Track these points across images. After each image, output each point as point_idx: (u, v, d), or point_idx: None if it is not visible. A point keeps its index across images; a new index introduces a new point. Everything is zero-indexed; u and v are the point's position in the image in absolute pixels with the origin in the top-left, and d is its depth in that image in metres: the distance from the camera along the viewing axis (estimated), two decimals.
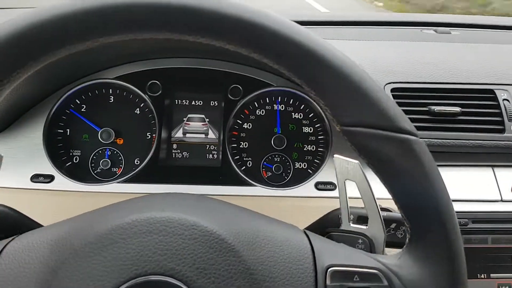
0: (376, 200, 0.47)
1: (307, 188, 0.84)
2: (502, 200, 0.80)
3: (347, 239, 0.48)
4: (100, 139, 0.88)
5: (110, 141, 0.88)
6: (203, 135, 0.91)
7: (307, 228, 0.60)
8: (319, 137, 0.91)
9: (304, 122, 0.92)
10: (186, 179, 0.86)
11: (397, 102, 0.41)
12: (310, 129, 0.91)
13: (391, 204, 0.45)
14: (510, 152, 0.83)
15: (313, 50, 0.38)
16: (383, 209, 0.55)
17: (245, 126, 0.92)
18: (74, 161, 0.88)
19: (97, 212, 0.42)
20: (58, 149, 0.87)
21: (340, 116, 0.40)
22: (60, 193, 0.81)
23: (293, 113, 0.92)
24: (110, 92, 0.90)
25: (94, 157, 0.88)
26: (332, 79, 0.39)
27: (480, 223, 0.78)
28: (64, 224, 0.42)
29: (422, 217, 0.39)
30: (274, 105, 0.92)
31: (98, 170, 0.88)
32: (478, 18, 1.36)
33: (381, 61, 0.90)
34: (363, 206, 0.48)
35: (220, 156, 0.89)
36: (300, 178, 0.87)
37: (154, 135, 0.89)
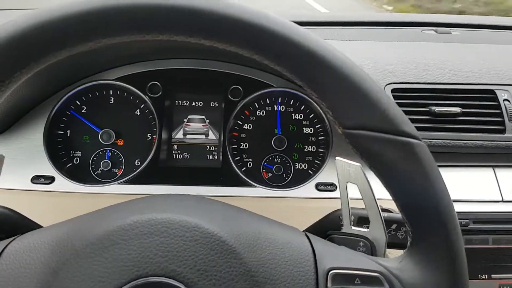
0: (378, 203, 0.47)
1: (307, 189, 0.84)
2: (503, 201, 0.80)
3: (349, 242, 0.48)
4: (100, 140, 0.88)
5: (110, 142, 0.88)
6: (203, 136, 0.91)
7: (308, 229, 0.60)
8: (319, 138, 0.91)
9: (304, 123, 0.92)
10: (186, 180, 0.86)
11: (397, 103, 0.41)
12: (311, 130, 0.91)
13: (392, 205, 0.45)
14: (511, 153, 0.83)
15: (315, 52, 0.38)
16: (384, 210, 0.55)
17: (246, 127, 0.92)
18: (75, 162, 0.88)
19: (98, 213, 0.42)
20: (58, 150, 0.87)
21: (342, 119, 0.40)
22: (60, 194, 0.81)
23: (293, 114, 0.92)
24: (111, 93, 0.90)
25: (95, 158, 0.88)
26: (334, 82, 0.39)
27: (481, 224, 0.77)
28: (65, 224, 0.42)
29: (424, 219, 0.39)
30: (275, 106, 0.92)
31: (99, 171, 0.88)
32: (478, 19, 1.36)
33: (382, 62, 0.90)
34: (363, 207, 0.48)
35: (221, 157, 0.89)
36: (300, 179, 0.87)
37: (154, 136, 0.89)
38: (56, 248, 0.39)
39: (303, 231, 0.46)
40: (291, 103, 0.92)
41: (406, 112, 0.41)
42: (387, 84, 0.85)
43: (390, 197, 0.41)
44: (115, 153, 0.89)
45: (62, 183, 0.82)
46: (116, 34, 0.37)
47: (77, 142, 0.89)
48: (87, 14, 0.36)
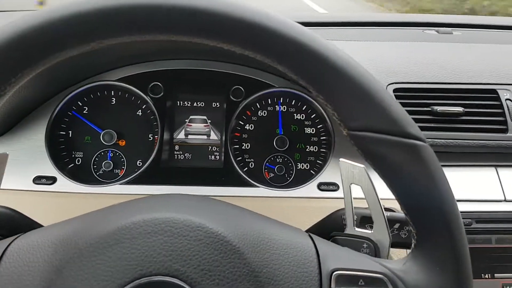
0: (382, 205, 0.46)
1: (309, 189, 0.84)
2: (505, 200, 0.80)
3: (352, 243, 0.48)
4: (102, 140, 0.88)
5: (112, 143, 0.88)
6: (205, 137, 0.91)
7: (310, 229, 0.60)
8: (321, 138, 0.91)
9: (306, 123, 0.92)
10: (188, 180, 0.86)
11: (399, 103, 0.41)
12: (312, 130, 0.91)
13: (394, 204, 0.45)
14: None
15: (321, 54, 0.38)
16: (387, 209, 0.55)
17: (247, 127, 0.92)
18: (77, 162, 0.88)
19: (101, 212, 0.42)
20: (60, 151, 0.87)
21: (347, 121, 0.40)
22: (62, 194, 0.81)
23: (295, 114, 0.92)
24: (112, 94, 0.91)
25: (96, 158, 0.88)
26: (339, 83, 0.38)
27: (484, 223, 0.77)
28: (68, 223, 0.42)
29: (428, 220, 0.39)
30: (276, 106, 0.92)
31: (100, 172, 0.88)
32: (479, 19, 1.36)
33: (383, 62, 0.90)
34: (366, 206, 0.48)
35: (222, 157, 0.89)
36: (302, 179, 0.87)
37: (156, 136, 0.89)
38: (59, 246, 0.39)
39: (306, 231, 0.46)
40: (292, 103, 0.92)
41: (408, 112, 0.40)
42: (389, 84, 0.85)
43: (393, 197, 0.41)
44: (117, 154, 0.89)
45: (64, 183, 0.82)
46: (117, 34, 0.37)
47: (79, 142, 0.89)
48: (88, 15, 0.36)
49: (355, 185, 0.48)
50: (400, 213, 0.57)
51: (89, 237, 0.38)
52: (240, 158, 0.90)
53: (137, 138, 0.90)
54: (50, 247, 0.39)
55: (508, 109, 0.83)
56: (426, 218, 0.39)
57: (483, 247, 0.77)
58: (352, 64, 0.39)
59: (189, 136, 0.91)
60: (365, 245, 0.48)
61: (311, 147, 0.91)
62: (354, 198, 0.49)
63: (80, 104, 0.90)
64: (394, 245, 0.53)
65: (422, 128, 0.82)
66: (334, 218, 0.59)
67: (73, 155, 0.88)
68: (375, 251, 0.47)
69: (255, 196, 0.83)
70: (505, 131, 0.83)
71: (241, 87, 0.91)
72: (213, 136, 0.91)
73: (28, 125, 0.86)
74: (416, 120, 0.40)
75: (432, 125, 0.83)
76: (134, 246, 0.37)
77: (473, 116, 0.84)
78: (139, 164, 0.89)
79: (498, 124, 0.83)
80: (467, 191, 0.80)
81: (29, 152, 0.84)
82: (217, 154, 0.90)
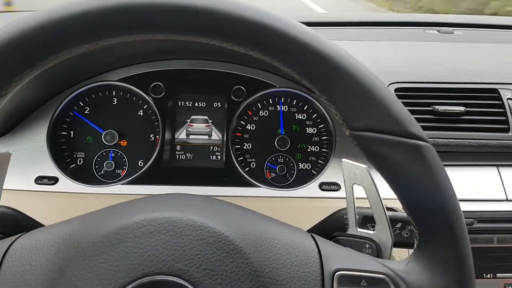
0: (384, 206, 0.46)
1: (311, 189, 0.84)
2: (507, 200, 0.80)
3: (354, 243, 0.48)
4: (103, 141, 0.88)
5: (113, 143, 0.88)
6: (206, 137, 0.91)
7: (312, 229, 0.60)
8: (322, 138, 0.91)
9: (307, 122, 0.92)
10: (189, 180, 0.86)
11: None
12: (314, 130, 0.91)
13: (396, 204, 0.45)
14: None
15: (325, 54, 0.38)
16: (388, 209, 0.55)
17: (249, 127, 0.92)
18: (78, 163, 0.88)
19: (104, 211, 0.42)
20: (62, 151, 0.88)
21: (350, 121, 0.40)
22: (64, 195, 0.81)
23: (296, 114, 0.92)
24: (114, 94, 0.91)
25: (98, 159, 0.89)
26: (342, 83, 0.38)
27: (486, 223, 0.77)
28: (71, 222, 0.42)
29: (431, 221, 0.39)
30: (277, 106, 0.92)
31: (102, 172, 0.88)
32: (480, 18, 1.36)
33: (384, 61, 0.90)
34: (367, 206, 0.48)
35: (224, 157, 0.89)
36: (304, 178, 0.87)
37: (157, 136, 0.89)
38: (62, 245, 0.39)
39: (307, 231, 0.46)
40: (294, 103, 0.92)
41: (410, 112, 0.41)
42: (390, 84, 0.85)
43: (395, 196, 0.41)
44: (119, 154, 0.89)
45: (66, 183, 0.82)
46: (117, 34, 0.37)
47: (80, 143, 0.89)
48: (87, 14, 0.36)
49: (357, 185, 0.48)
50: (402, 213, 0.57)
51: (91, 236, 0.38)
52: (242, 158, 0.90)
53: (138, 138, 0.90)
54: (52, 246, 0.39)
55: (510, 109, 0.83)
56: (429, 219, 0.39)
57: (485, 247, 0.77)
58: (355, 64, 0.39)
59: (191, 136, 0.91)
60: (367, 246, 0.48)
61: (313, 147, 0.91)
62: (356, 198, 0.49)
63: (82, 104, 0.90)
64: (396, 244, 0.53)
65: (424, 128, 0.81)
66: (335, 218, 0.59)
67: (74, 155, 0.88)
68: (377, 252, 0.47)
69: (257, 196, 0.83)
70: (506, 130, 0.83)
71: (242, 87, 0.91)
72: (215, 136, 0.91)
73: (30, 125, 0.86)
74: (418, 120, 0.40)
75: (434, 124, 0.83)
76: (137, 245, 0.37)
77: (474, 115, 0.84)
78: (141, 164, 0.89)
79: (499, 123, 0.83)
80: (468, 191, 0.80)
81: (31, 152, 0.84)
82: (219, 154, 0.90)
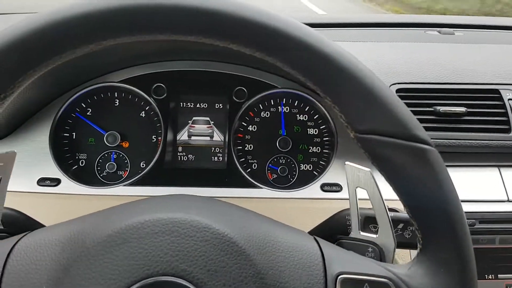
0: (387, 209, 0.46)
1: (313, 190, 0.84)
2: (508, 200, 0.80)
3: (357, 247, 0.48)
4: (106, 142, 0.88)
5: (115, 144, 0.88)
6: (208, 138, 0.91)
7: (314, 230, 0.60)
8: (324, 139, 0.91)
9: (309, 123, 0.92)
10: (191, 181, 0.86)
11: None
12: (315, 131, 0.91)
13: (398, 205, 0.45)
14: None
15: (329, 56, 0.38)
16: (390, 210, 0.55)
17: (250, 128, 0.92)
18: (80, 164, 0.89)
19: (108, 212, 0.43)
20: (64, 153, 0.88)
21: (355, 123, 0.40)
22: (66, 196, 0.81)
23: (297, 115, 0.92)
24: (116, 95, 0.91)
25: (100, 160, 0.89)
26: (348, 86, 0.38)
27: (487, 224, 0.77)
28: (75, 222, 0.42)
29: (434, 224, 0.39)
30: (279, 107, 0.92)
31: (104, 174, 0.88)
32: (481, 19, 1.36)
33: (385, 62, 0.90)
34: (369, 206, 0.48)
35: (226, 159, 0.89)
36: (305, 179, 0.87)
37: (159, 138, 0.89)
38: (66, 245, 0.39)
39: (309, 232, 0.46)
40: (295, 104, 0.92)
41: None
42: (392, 85, 0.85)
43: (396, 197, 0.41)
44: (121, 155, 0.89)
45: (68, 185, 0.82)
46: (118, 35, 0.37)
47: (82, 144, 0.89)
48: (88, 15, 0.36)
49: (360, 188, 0.48)
50: (403, 213, 0.57)
51: (96, 236, 0.38)
52: (243, 159, 0.90)
53: (140, 140, 0.90)
54: (57, 246, 0.39)
55: (511, 109, 0.83)
56: (431, 220, 0.39)
57: (487, 248, 0.77)
58: (360, 66, 0.39)
59: (192, 138, 0.91)
60: (370, 249, 0.48)
61: (314, 148, 0.91)
62: (358, 199, 0.49)
63: (84, 106, 0.90)
64: (398, 245, 0.53)
65: (425, 129, 0.82)
66: (337, 219, 0.59)
67: (77, 157, 0.89)
68: (380, 256, 0.47)
69: (258, 197, 0.84)
70: (508, 131, 0.83)
71: (243, 88, 0.91)
72: (216, 137, 0.91)
73: (32, 126, 0.86)
74: (419, 121, 0.40)
75: (435, 125, 0.83)
76: (141, 245, 0.37)
77: (475, 116, 0.84)
78: (143, 165, 0.89)
79: (500, 124, 0.83)
80: (470, 192, 0.80)
81: (33, 154, 0.84)
82: (220, 155, 0.90)
